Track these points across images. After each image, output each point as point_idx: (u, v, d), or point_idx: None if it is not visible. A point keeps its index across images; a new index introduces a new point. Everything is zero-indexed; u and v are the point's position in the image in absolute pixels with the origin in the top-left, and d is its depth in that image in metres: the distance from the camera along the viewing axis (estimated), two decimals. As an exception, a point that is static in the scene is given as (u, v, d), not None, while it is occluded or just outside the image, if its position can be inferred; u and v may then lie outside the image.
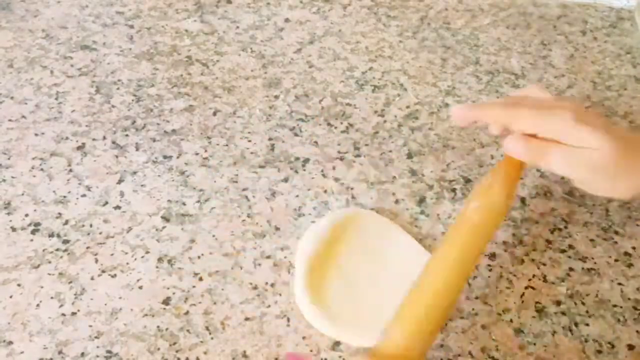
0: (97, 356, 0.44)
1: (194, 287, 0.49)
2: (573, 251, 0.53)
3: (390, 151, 0.61)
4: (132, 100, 0.64)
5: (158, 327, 0.46)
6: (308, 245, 0.51)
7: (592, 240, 0.54)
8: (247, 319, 0.47)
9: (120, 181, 0.56)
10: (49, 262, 0.50)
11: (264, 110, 0.64)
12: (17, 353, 0.44)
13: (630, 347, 0.46)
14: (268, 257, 0.51)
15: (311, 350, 0.45)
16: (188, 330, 0.46)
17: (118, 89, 0.65)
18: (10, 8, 0.75)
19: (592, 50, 0.74)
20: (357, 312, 0.47)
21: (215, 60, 0.69)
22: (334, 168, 0.59)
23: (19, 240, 0.51)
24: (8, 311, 0.47)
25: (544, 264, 0.52)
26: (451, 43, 0.73)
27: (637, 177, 0.47)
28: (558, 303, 0.49)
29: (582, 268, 0.51)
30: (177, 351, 0.45)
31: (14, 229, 0.52)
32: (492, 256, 0.52)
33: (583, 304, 0.49)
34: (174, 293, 0.48)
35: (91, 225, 0.53)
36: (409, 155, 0.59)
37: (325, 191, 0.57)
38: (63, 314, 0.47)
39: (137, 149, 0.59)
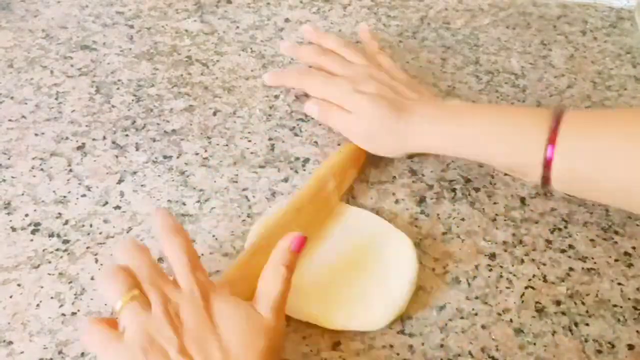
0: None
1: (194, 287, 0.49)
2: (573, 251, 0.53)
3: (390, 151, 0.61)
4: (132, 100, 0.64)
5: (158, 327, 0.46)
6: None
7: (592, 240, 0.54)
8: (247, 319, 0.47)
9: (120, 181, 0.56)
10: (49, 262, 0.50)
11: (264, 110, 0.64)
12: (17, 353, 0.44)
13: (630, 347, 0.46)
14: (268, 257, 0.51)
15: (311, 351, 0.45)
16: (188, 330, 0.46)
17: (118, 89, 0.65)
18: (10, 8, 0.76)
19: (592, 50, 0.74)
20: (325, 294, 0.47)
21: (215, 60, 0.69)
22: (334, 168, 0.59)
23: (19, 240, 0.51)
24: (8, 311, 0.47)
25: (544, 264, 0.52)
26: (451, 43, 0.73)
27: (399, 138, 0.55)
28: (558, 303, 0.49)
29: (582, 268, 0.51)
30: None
31: (14, 229, 0.52)
32: (492, 256, 0.52)
33: (583, 303, 0.49)
34: (174, 293, 0.48)
35: (91, 225, 0.53)
36: (409, 155, 0.59)
37: (325, 191, 0.57)
38: (63, 314, 0.47)
39: (137, 149, 0.59)
